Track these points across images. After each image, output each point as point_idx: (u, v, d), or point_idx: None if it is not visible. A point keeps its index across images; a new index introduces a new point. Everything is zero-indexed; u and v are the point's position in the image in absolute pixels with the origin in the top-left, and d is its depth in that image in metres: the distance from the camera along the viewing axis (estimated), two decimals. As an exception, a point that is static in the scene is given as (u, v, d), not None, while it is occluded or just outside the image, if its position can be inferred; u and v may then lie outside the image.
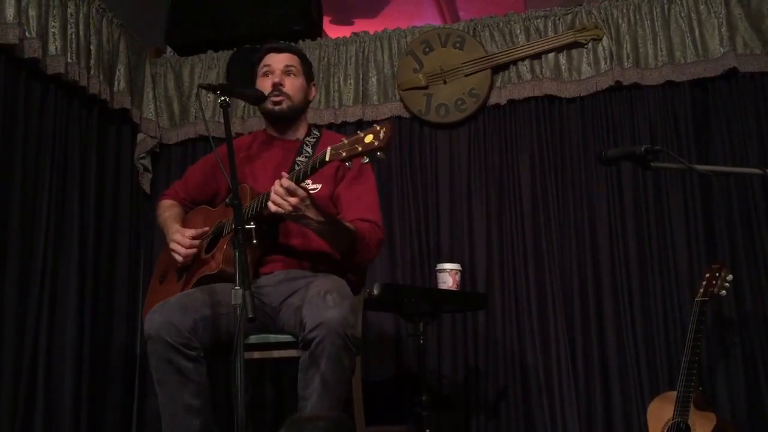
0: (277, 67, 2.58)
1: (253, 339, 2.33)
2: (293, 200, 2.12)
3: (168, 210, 2.67)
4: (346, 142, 2.03)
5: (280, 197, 2.12)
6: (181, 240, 2.44)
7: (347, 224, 2.32)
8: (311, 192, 2.18)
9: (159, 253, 2.79)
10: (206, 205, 2.66)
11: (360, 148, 1.98)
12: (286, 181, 2.12)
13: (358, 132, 2.02)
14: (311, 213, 2.17)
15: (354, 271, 2.52)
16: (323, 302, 2.13)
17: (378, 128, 1.98)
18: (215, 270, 2.32)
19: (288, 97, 2.55)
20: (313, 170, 2.12)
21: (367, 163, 2.01)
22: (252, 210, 2.28)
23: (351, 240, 2.33)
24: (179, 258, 2.44)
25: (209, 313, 2.21)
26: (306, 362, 2.13)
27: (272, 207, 2.14)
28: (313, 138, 2.62)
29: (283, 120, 2.60)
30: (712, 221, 3.40)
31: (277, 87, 2.54)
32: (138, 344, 3.73)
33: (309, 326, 2.11)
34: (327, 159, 2.06)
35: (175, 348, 2.14)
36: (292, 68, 2.59)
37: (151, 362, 2.19)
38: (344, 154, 2.01)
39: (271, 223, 2.37)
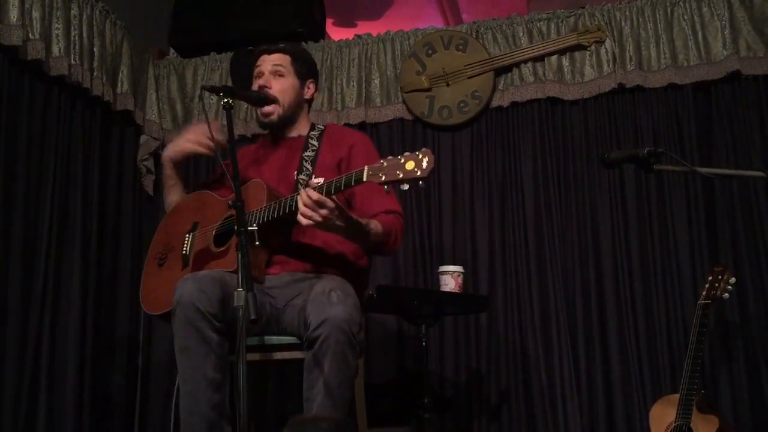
0: (266, 68, 2.58)
1: (256, 340, 2.33)
2: (324, 212, 2.11)
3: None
4: (385, 165, 2.00)
5: (310, 210, 2.10)
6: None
7: (373, 224, 2.32)
8: (315, 185, 2.17)
9: (149, 234, 2.74)
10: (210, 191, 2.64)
11: (401, 175, 1.96)
12: (315, 194, 2.09)
13: (400, 156, 1.99)
14: (340, 221, 2.17)
15: (363, 270, 2.52)
16: (327, 300, 2.13)
17: (419, 156, 1.96)
18: (232, 268, 2.26)
19: (276, 102, 2.55)
20: (347, 186, 2.09)
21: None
22: (274, 213, 2.26)
23: (378, 236, 2.34)
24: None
25: (229, 291, 2.20)
26: (310, 362, 2.12)
27: (303, 221, 2.12)
28: (317, 132, 2.62)
29: (278, 126, 2.61)
30: (715, 224, 3.40)
31: (262, 89, 2.54)
32: (141, 346, 3.73)
33: (313, 324, 2.11)
34: (364, 179, 2.03)
35: (204, 316, 2.12)
36: (280, 68, 2.58)
37: (176, 330, 2.15)
38: (384, 178, 1.98)
39: (289, 224, 2.37)
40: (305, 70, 2.64)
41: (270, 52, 2.62)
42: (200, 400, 2.13)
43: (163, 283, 2.44)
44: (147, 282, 2.59)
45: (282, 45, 2.66)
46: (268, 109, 2.55)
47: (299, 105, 2.63)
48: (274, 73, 2.58)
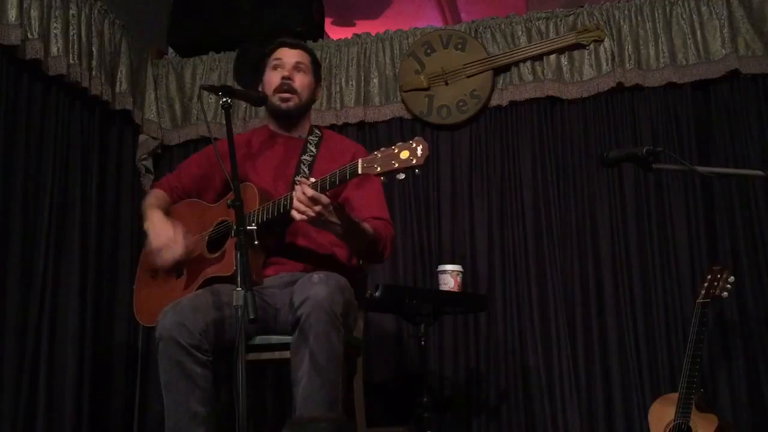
0: (288, 61, 2.57)
1: (255, 340, 2.33)
2: (318, 208, 2.11)
3: (154, 198, 2.63)
4: (379, 155, 2.02)
5: (304, 205, 2.11)
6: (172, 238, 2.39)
7: (365, 225, 2.33)
8: (309, 182, 2.17)
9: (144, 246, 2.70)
10: (197, 198, 2.63)
11: (396, 165, 1.97)
12: (310, 190, 2.10)
13: (392, 147, 2.00)
14: (334, 218, 2.17)
15: (359, 270, 2.52)
16: (309, 281, 2.16)
17: (413, 144, 1.97)
18: (230, 272, 2.27)
19: (296, 93, 2.55)
20: (342, 180, 2.11)
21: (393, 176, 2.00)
22: (269, 214, 2.25)
23: (369, 240, 2.34)
24: (171, 257, 2.37)
25: (218, 315, 2.20)
26: (296, 343, 2.13)
27: (297, 216, 2.13)
28: (316, 137, 2.61)
29: (289, 117, 2.60)
30: (714, 223, 3.40)
31: (285, 81, 2.53)
32: (140, 346, 3.72)
33: (296, 304, 2.12)
34: (360, 172, 2.04)
35: (186, 350, 2.12)
36: (302, 65, 2.58)
37: (160, 364, 2.17)
38: (379, 169, 2.00)
39: (283, 225, 2.36)
40: (318, 72, 2.67)
41: (292, 47, 2.62)
42: None
43: (158, 295, 2.44)
44: (140, 293, 2.58)
45: (302, 42, 2.67)
46: (287, 95, 2.54)
47: (311, 104, 2.65)
48: (297, 68, 2.57)
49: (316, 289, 2.12)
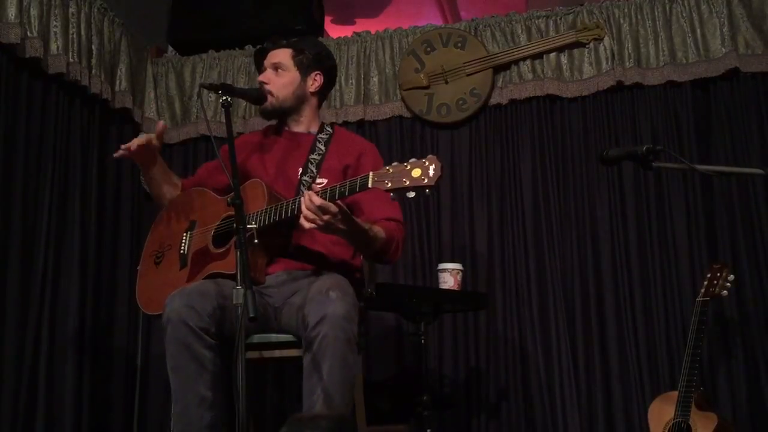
0: (267, 65, 2.60)
1: (255, 338, 2.33)
2: (326, 217, 2.09)
3: None
4: (390, 171, 1.99)
5: (313, 213, 2.09)
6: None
7: (376, 229, 2.32)
8: (318, 187, 2.17)
9: (147, 234, 2.68)
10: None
11: (407, 182, 1.95)
12: (318, 199, 2.08)
13: (405, 163, 1.99)
14: (343, 225, 2.15)
15: (361, 270, 2.52)
16: (326, 298, 2.12)
17: (426, 163, 1.96)
18: (233, 270, 2.20)
19: (271, 94, 2.55)
20: (352, 191, 2.08)
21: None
22: (276, 215, 2.24)
23: (379, 244, 2.33)
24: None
25: (222, 303, 2.19)
26: (309, 365, 2.10)
27: (305, 224, 2.11)
28: (326, 135, 2.61)
29: (275, 116, 2.61)
30: (714, 221, 3.40)
31: (261, 85, 2.56)
32: (139, 346, 3.72)
33: (312, 323, 2.10)
34: (369, 185, 2.02)
35: (194, 332, 2.11)
36: (279, 64, 2.58)
37: (168, 348, 2.14)
38: (389, 185, 1.97)
39: (290, 227, 2.35)
40: (308, 62, 2.61)
41: (272, 48, 2.63)
42: (192, 419, 2.11)
43: (161, 283, 2.43)
44: (143, 280, 2.57)
45: (282, 40, 2.65)
46: (264, 98, 2.56)
47: (300, 98, 2.60)
48: (274, 69, 2.58)
49: (334, 307, 2.09)
